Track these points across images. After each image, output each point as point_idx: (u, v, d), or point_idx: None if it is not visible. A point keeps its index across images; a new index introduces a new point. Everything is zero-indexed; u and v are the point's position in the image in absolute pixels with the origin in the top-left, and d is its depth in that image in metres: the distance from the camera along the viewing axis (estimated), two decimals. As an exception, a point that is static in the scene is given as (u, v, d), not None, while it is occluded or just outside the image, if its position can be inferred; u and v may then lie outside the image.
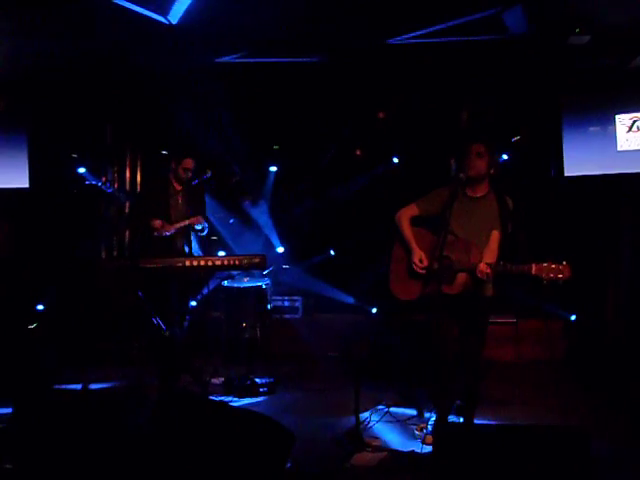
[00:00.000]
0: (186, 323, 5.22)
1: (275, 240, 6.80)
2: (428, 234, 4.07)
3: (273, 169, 6.98)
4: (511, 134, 6.42)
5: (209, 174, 5.34)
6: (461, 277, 3.84)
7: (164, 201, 5.21)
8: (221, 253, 5.56)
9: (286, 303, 6.76)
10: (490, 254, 3.80)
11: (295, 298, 6.81)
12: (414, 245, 4.02)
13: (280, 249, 6.77)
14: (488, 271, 3.69)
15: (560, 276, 3.55)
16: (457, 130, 6.84)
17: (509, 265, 3.70)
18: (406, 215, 4.11)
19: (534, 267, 3.60)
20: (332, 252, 6.93)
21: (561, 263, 3.55)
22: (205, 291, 5.60)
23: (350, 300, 6.61)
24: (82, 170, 6.62)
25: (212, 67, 6.00)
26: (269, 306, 6.08)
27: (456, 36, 5.25)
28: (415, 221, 4.13)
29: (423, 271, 3.95)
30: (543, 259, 3.60)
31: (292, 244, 6.88)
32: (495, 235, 3.86)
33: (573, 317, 6.10)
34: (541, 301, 5.89)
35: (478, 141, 3.96)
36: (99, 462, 2.91)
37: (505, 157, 6.29)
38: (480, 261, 3.74)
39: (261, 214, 6.80)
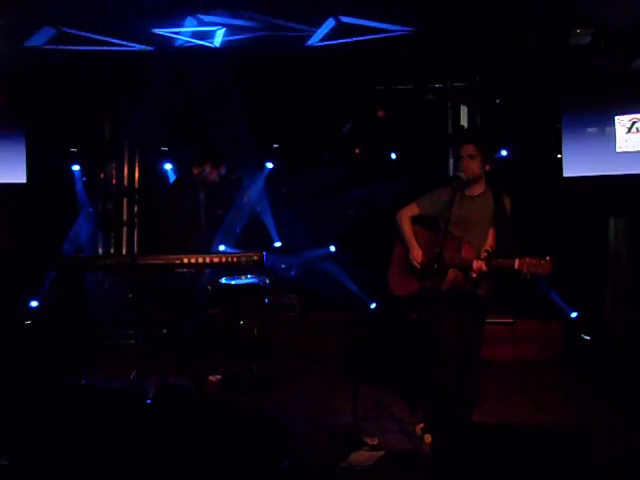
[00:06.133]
0: (185, 320, 5.21)
1: (273, 235, 6.79)
2: (425, 232, 4.16)
3: (269, 165, 6.96)
4: (511, 134, 6.42)
5: (207, 171, 5.46)
6: (452, 273, 3.88)
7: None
8: (221, 247, 5.55)
9: (283, 301, 6.73)
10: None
11: (292, 296, 6.78)
12: (413, 241, 4.10)
13: (277, 244, 6.75)
14: (483, 268, 3.73)
15: (540, 270, 3.54)
16: (456, 128, 6.86)
17: (494, 260, 3.73)
18: (406, 214, 4.19)
19: (517, 261, 3.61)
20: (332, 248, 6.91)
21: (544, 258, 3.55)
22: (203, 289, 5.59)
23: (348, 298, 6.58)
24: (76, 168, 6.61)
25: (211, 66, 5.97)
26: (266, 300, 6.05)
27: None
28: (414, 220, 4.19)
29: (418, 266, 4.01)
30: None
31: (291, 240, 6.86)
32: (491, 234, 3.90)
33: (574, 314, 6.09)
34: (539, 300, 5.92)
35: (468, 142, 3.97)
36: (96, 458, 2.91)
37: (504, 153, 6.29)
38: (473, 258, 3.77)
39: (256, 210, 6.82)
